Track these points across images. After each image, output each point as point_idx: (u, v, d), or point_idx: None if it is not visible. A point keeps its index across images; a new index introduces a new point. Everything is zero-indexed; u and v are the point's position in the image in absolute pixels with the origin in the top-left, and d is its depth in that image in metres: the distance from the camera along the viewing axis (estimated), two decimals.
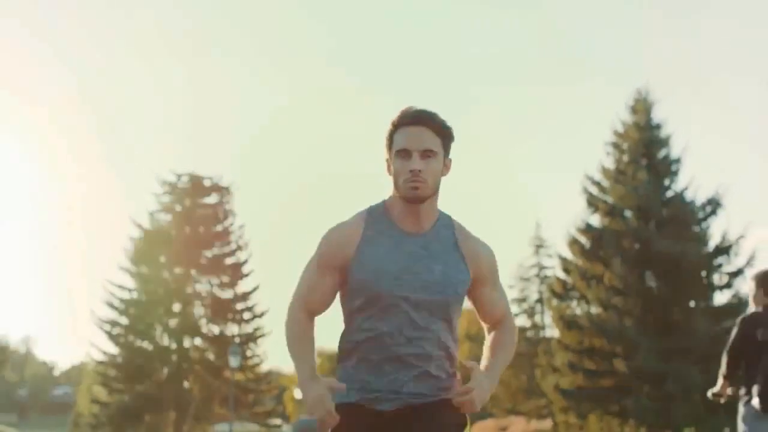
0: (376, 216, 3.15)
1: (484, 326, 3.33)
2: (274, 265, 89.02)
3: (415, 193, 3.04)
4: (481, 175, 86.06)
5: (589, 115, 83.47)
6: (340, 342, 3.20)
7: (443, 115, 3.13)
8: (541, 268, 41.93)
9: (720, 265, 29.06)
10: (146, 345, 35.79)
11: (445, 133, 3.10)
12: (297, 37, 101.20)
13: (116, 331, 35.85)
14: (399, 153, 3.06)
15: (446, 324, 3.11)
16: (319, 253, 3.15)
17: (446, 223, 3.17)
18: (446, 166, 3.14)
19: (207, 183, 37.35)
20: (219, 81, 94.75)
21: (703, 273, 28.69)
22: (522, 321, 40.62)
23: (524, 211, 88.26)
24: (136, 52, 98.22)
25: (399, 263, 3.07)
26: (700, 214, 29.08)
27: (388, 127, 3.15)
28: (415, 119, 3.07)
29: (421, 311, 3.07)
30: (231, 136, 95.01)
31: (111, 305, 35.80)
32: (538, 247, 41.90)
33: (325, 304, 3.19)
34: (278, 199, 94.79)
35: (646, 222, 28.62)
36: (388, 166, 3.14)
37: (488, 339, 3.30)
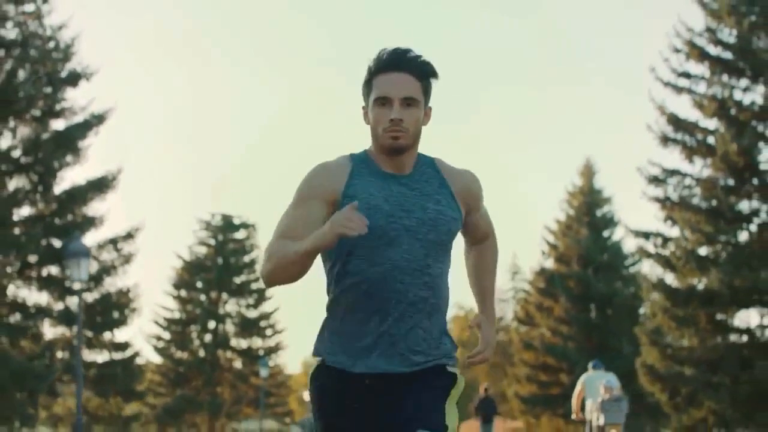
0: (358, 159, 3.17)
1: (465, 240, 3.40)
2: (292, 290, 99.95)
3: (396, 143, 3.06)
4: (482, 178, 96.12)
5: (589, 118, 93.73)
6: (328, 296, 3.18)
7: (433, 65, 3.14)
8: (517, 291, 53.96)
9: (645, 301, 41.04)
10: (186, 356, 46.18)
11: (425, 76, 3.13)
12: (296, 40, 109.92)
13: (161, 344, 47.30)
14: (377, 101, 3.08)
15: (442, 266, 3.14)
16: (304, 187, 3.13)
17: (427, 161, 3.22)
18: (426, 115, 3.16)
19: (236, 221, 48.92)
20: (219, 84, 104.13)
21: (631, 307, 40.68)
22: (500, 336, 52.59)
23: (524, 211, 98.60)
24: (136, 54, 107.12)
25: (391, 200, 3.09)
26: (629, 261, 41.10)
27: (365, 72, 3.15)
28: (395, 64, 3.09)
29: (415, 252, 3.08)
30: (231, 143, 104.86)
31: (156, 323, 47.24)
32: (515, 273, 54.04)
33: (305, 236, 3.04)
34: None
35: (586, 267, 40.62)
36: (365, 114, 3.16)
37: (471, 257, 3.43)
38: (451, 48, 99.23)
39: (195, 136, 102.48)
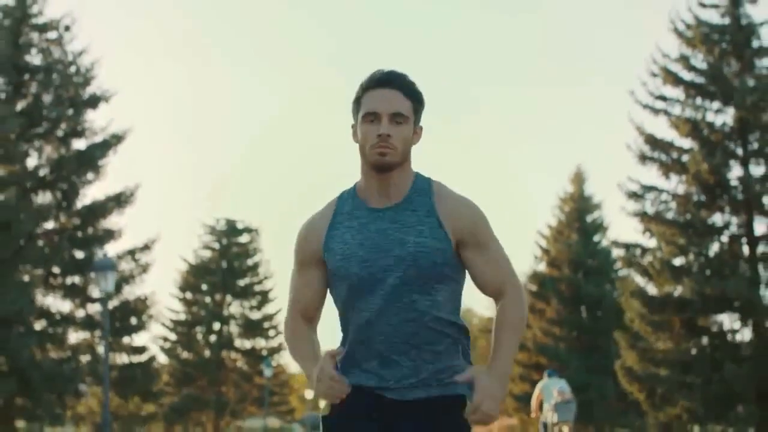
0: (345, 199, 3.24)
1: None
2: None
3: (382, 159, 3.10)
4: (480, 175, 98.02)
5: (588, 116, 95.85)
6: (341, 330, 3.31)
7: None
8: None
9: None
10: (191, 356, 48.33)
11: (416, 97, 3.18)
12: (295, 39, 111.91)
13: (167, 345, 49.49)
14: (366, 117, 3.13)
15: (435, 299, 3.13)
16: (296, 251, 3.29)
17: (423, 187, 3.20)
18: (416, 134, 3.19)
19: (240, 226, 51.36)
20: (221, 86, 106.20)
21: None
22: None
23: (522, 210, 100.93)
24: (136, 53, 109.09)
25: (366, 244, 3.14)
26: (618, 265, 43.65)
27: (355, 90, 3.20)
28: (385, 81, 3.16)
29: (397, 290, 3.11)
30: (233, 145, 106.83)
31: (163, 324, 49.54)
32: None
33: (316, 303, 3.31)
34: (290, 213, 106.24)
35: (576, 271, 43.26)
36: (354, 133, 3.21)
37: (497, 308, 3.23)
38: (448, 46, 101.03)
39: (197, 141, 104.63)
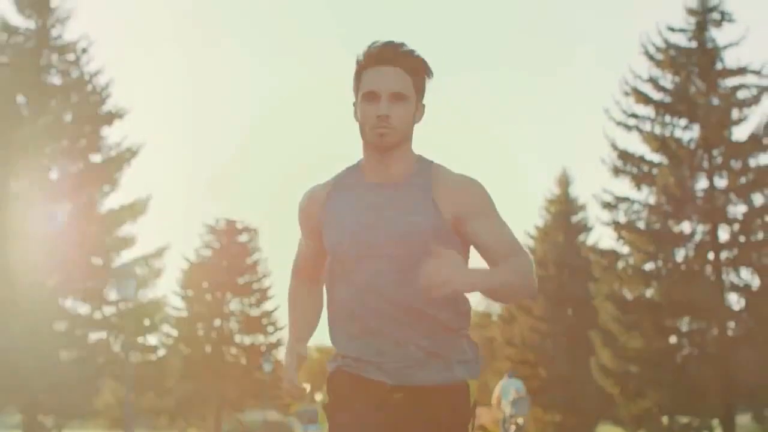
0: (348, 171, 3.26)
1: None
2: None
3: (381, 140, 3.08)
4: (474, 161, 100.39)
5: (579, 100, 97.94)
6: (327, 303, 3.33)
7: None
8: None
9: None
10: (193, 352, 50.57)
11: (417, 71, 3.12)
12: (297, 32, 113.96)
13: (169, 341, 51.39)
14: (366, 96, 3.09)
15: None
16: (298, 221, 3.37)
17: (424, 168, 3.18)
18: (419, 111, 3.16)
19: (239, 226, 53.98)
20: (223, 69, 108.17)
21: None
22: (486, 333, 58.31)
23: (517, 199, 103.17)
24: (137, 38, 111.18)
25: (360, 220, 3.14)
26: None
27: (354, 65, 3.13)
28: (384, 58, 3.09)
29: (386, 269, 3.10)
30: (229, 142, 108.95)
31: (165, 321, 52.38)
32: None
33: (318, 267, 3.42)
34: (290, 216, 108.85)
35: (562, 270, 46.44)
36: (355, 111, 3.16)
37: None
38: (442, 29, 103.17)
39: (195, 144, 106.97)
